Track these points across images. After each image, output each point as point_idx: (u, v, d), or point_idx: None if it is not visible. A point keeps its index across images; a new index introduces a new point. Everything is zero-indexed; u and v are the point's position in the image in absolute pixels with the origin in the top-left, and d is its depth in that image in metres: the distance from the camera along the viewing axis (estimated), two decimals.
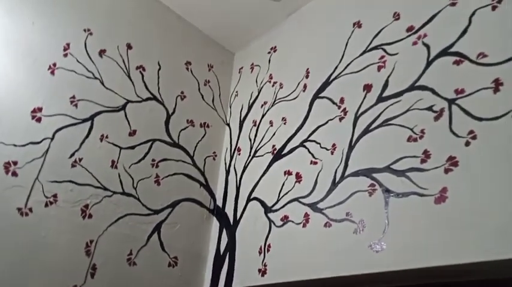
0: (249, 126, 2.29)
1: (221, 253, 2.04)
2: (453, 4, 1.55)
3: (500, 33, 1.38)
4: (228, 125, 2.46)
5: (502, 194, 1.19)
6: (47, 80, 1.75)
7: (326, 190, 1.68)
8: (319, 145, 1.82)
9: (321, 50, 2.05)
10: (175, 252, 1.96)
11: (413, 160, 1.43)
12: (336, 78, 1.90)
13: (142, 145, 2.00)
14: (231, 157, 2.31)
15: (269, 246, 1.81)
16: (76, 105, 1.81)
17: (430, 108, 1.46)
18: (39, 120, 1.69)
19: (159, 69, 2.20)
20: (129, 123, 1.98)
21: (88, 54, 1.92)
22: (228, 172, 2.28)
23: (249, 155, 2.19)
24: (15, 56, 1.70)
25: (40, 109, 1.70)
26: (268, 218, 1.88)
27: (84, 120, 1.82)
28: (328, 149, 1.77)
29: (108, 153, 1.86)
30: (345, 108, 1.78)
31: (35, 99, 1.70)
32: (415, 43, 1.62)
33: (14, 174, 1.56)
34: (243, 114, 2.38)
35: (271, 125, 2.14)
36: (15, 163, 1.58)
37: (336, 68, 1.92)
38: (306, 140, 1.90)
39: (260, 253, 1.83)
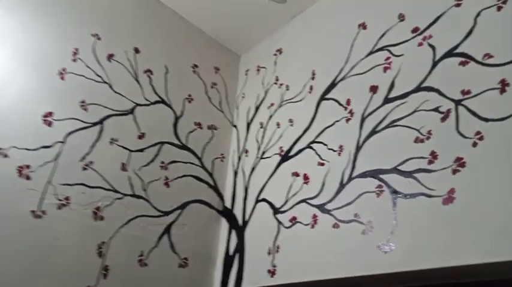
0: (256, 128, 2.31)
1: (230, 254, 2.06)
2: (458, 5, 1.55)
3: (505, 33, 1.38)
4: (235, 127, 2.48)
5: (510, 194, 1.19)
6: (57, 85, 1.79)
7: (334, 191, 1.69)
8: (326, 147, 1.83)
9: (326, 52, 2.06)
10: (186, 253, 1.99)
11: (421, 161, 1.43)
12: (342, 79, 1.91)
13: (151, 148, 2.03)
14: (239, 159, 2.33)
15: (278, 247, 1.83)
16: (86, 109, 1.84)
17: (436, 109, 1.46)
18: (50, 124, 1.72)
19: (167, 72, 2.23)
20: (138, 126, 2.00)
21: (97, 58, 1.95)
22: (236, 174, 2.30)
23: (257, 156, 2.21)
24: (25, 62, 1.73)
25: (51, 114, 1.73)
26: (277, 219, 1.90)
27: (95, 124, 1.85)
28: (335, 151, 1.78)
29: (118, 156, 1.89)
30: (351, 110, 1.79)
31: (45, 104, 1.73)
32: (420, 44, 1.62)
33: (27, 177, 1.60)
34: (250, 116, 2.40)
35: (278, 127, 2.15)
36: (28, 167, 1.61)
37: (342, 69, 1.92)
38: (313, 142, 1.91)
39: (269, 253, 1.85)
